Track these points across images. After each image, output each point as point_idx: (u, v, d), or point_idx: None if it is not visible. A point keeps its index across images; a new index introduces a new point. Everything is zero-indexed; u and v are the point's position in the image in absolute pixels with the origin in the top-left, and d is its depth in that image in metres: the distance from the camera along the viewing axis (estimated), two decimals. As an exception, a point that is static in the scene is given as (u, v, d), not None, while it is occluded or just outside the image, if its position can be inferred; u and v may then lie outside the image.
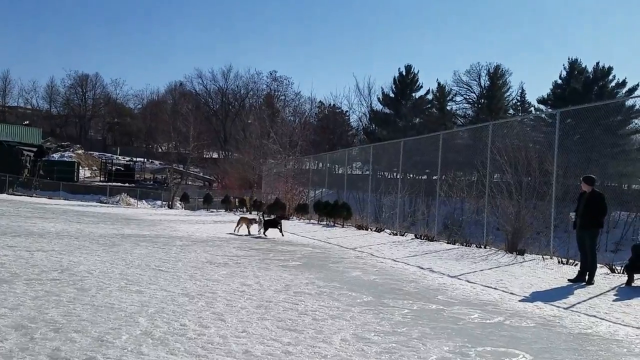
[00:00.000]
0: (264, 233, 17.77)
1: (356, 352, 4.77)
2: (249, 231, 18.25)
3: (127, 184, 57.40)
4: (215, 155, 75.81)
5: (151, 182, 64.36)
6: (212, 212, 38.23)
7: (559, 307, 7.47)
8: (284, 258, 11.79)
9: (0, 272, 7.45)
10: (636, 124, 41.44)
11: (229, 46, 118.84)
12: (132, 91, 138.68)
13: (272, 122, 42.96)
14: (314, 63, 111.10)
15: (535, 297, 8.17)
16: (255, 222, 18.40)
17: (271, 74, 75.45)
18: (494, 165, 15.73)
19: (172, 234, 16.88)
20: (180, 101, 79.78)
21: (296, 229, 21.44)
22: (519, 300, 7.86)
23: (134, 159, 74.85)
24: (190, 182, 63.41)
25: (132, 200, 47.97)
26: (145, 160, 77.24)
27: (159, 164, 73.99)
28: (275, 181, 34.57)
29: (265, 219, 18.63)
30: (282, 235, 17.59)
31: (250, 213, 30.01)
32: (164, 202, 49.05)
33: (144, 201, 49.74)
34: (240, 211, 37.36)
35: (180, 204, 46.50)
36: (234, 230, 18.92)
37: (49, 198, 43.23)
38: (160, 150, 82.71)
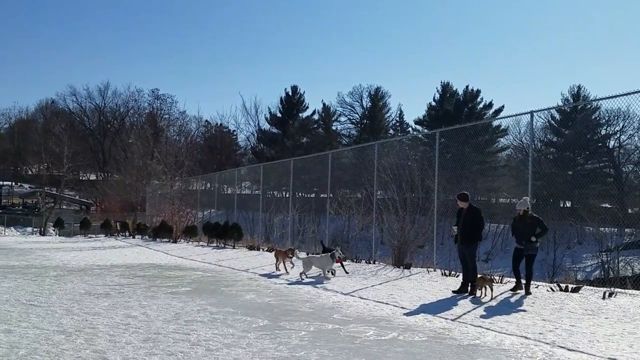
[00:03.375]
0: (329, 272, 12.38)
1: (255, 382, 4.55)
2: (285, 268, 13.40)
3: (-9, 211, 52.31)
4: (93, 177, 71.45)
5: (20, 207, 59.10)
6: (90, 237, 35.90)
7: (447, 318, 7.74)
8: (172, 284, 11.22)
9: None
10: (500, 142, 45.26)
11: (106, 62, 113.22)
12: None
13: (156, 141, 41.33)
14: (199, 82, 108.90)
15: (424, 309, 8.42)
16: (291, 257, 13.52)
17: (153, 92, 72.58)
18: (379, 182, 16.27)
19: (45, 264, 15.54)
20: (53, 120, 74.55)
21: (184, 253, 20.64)
22: (410, 314, 8.05)
23: (0, 182, 68.41)
24: (65, 207, 59.18)
25: (-3, 228, 43.76)
26: (13, 183, 71.02)
27: (29, 187, 68.58)
28: (161, 203, 33.19)
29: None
30: (347, 272, 12.85)
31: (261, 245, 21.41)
32: (35, 229, 45.44)
33: (12, 228, 45.81)
34: (123, 235, 35.48)
35: (53, 230, 43.38)
36: (277, 269, 13.71)
37: None
38: (30, 172, 76.46)
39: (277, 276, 12.96)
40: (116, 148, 63.48)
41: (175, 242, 27.11)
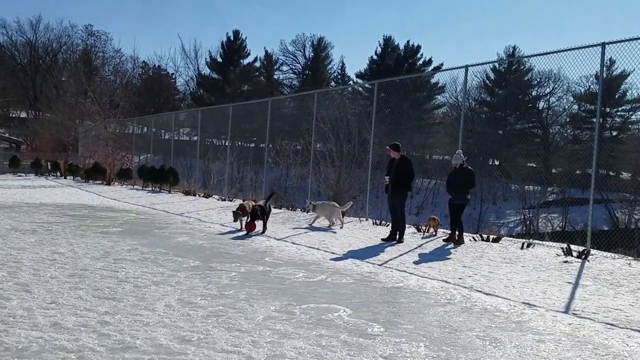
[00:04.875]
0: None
1: (181, 317, 4.64)
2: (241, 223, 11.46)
3: None
4: (23, 115, 67.72)
5: (-58, 144, 55.54)
6: (20, 176, 34.41)
7: (374, 264, 8.06)
8: (103, 224, 11.04)
9: None
10: (437, 99, 46.19)
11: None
12: None
13: (90, 80, 39.50)
14: (135, 20, 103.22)
15: (353, 255, 8.72)
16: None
17: (87, 27, 68.62)
18: (318, 133, 16.36)
19: (-33, 201, 14.88)
20: (-19, 54, 69.46)
21: (118, 195, 20.21)
22: (339, 259, 8.32)
23: None
24: (-6, 144, 56.08)
25: None
26: None
27: (-45, 123, 64.22)
28: (94, 144, 32.07)
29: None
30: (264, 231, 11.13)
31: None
32: (-41, 166, 42.95)
33: None
34: (54, 175, 34.24)
35: (-20, 168, 41.13)
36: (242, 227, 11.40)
37: None
38: (-46, 107, 71.52)
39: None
40: (48, 85, 60.31)
41: (108, 184, 26.44)
